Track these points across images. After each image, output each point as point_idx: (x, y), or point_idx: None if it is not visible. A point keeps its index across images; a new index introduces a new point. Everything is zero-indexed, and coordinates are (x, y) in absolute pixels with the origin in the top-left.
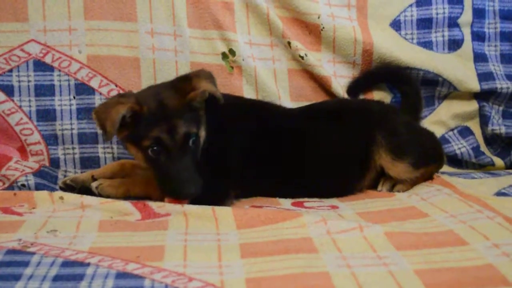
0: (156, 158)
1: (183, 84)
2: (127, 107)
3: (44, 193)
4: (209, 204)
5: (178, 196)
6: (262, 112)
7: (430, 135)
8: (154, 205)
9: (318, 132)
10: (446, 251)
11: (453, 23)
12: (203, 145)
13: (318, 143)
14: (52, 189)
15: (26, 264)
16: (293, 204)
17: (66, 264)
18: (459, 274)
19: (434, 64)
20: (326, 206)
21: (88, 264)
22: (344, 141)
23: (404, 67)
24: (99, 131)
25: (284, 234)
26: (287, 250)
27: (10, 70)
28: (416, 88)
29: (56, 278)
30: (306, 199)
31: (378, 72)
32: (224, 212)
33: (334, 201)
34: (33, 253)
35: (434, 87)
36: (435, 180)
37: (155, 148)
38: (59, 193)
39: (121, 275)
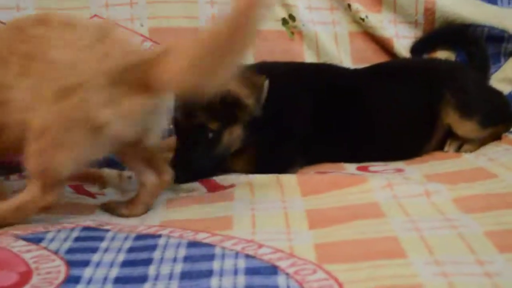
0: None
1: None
2: None
3: (114, 172)
4: (274, 172)
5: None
6: (325, 75)
7: (499, 94)
8: (217, 178)
9: (384, 92)
10: None
11: None
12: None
13: (383, 104)
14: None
15: (101, 239)
16: (358, 168)
17: (139, 237)
18: None
19: (499, 20)
20: (391, 170)
21: (160, 236)
22: (411, 100)
23: (468, 25)
24: None
25: (350, 200)
26: (354, 215)
27: None
28: (482, 49)
29: (131, 250)
30: (371, 163)
31: (442, 33)
32: (288, 179)
33: (399, 164)
34: (107, 230)
35: (500, 44)
36: (503, 140)
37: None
38: (127, 172)
39: (192, 244)
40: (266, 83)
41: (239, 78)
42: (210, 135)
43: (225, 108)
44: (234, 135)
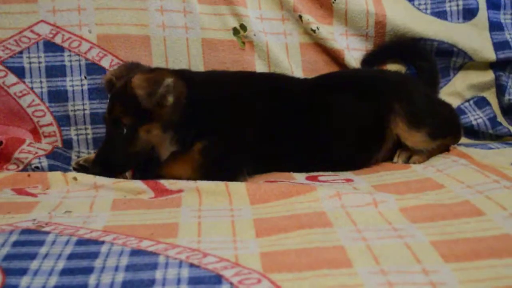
0: None
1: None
2: (107, 76)
3: (58, 174)
4: (222, 180)
5: None
6: (274, 84)
7: (448, 107)
8: (165, 182)
9: (333, 102)
10: (462, 222)
11: None
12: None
13: (332, 114)
14: (65, 170)
15: (41, 243)
16: (308, 178)
17: (81, 242)
18: (476, 244)
19: (449, 34)
20: (340, 180)
21: (103, 242)
22: (361, 111)
23: (419, 39)
24: None
25: (298, 209)
26: (301, 224)
27: (21, 52)
28: (432, 63)
29: (71, 257)
30: (320, 173)
31: (393, 46)
32: (237, 187)
33: (349, 174)
34: (47, 233)
35: (449, 58)
36: (451, 152)
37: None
38: (73, 173)
39: (135, 252)
40: (168, 80)
41: (145, 74)
42: (125, 130)
43: (135, 103)
44: (152, 134)
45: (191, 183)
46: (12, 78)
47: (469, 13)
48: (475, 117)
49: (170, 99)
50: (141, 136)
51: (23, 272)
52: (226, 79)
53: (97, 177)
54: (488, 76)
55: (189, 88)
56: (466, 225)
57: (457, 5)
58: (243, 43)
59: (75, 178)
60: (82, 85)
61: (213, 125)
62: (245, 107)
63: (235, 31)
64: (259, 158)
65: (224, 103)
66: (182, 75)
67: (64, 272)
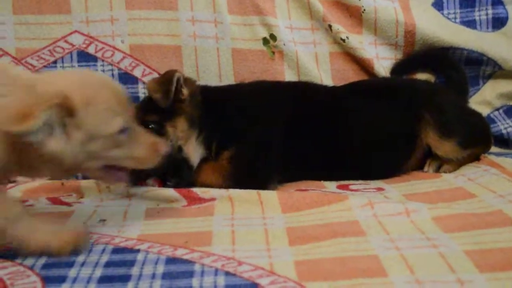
0: None
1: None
2: None
3: (91, 183)
4: (252, 188)
5: None
6: (302, 92)
7: (479, 116)
8: (198, 190)
9: (362, 111)
10: (496, 232)
11: (497, 0)
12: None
13: (362, 123)
14: None
15: (77, 251)
16: (339, 187)
17: (117, 251)
18: (510, 254)
19: (478, 43)
20: (372, 188)
21: (138, 251)
22: (391, 119)
23: (448, 48)
24: None
25: (330, 218)
26: (335, 233)
27: (55, 62)
28: (461, 72)
29: (108, 264)
30: (351, 181)
31: (422, 56)
32: (269, 196)
33: (380, 183)
34: None
35: (479, 67)
36: (482, 161)
37: None
38: None
39: (171, 261)
40: (177, 75)
41: (156, 78)
42: (152, 126)
43: (156, 104)
44: (179, 129)
45: (223, 192)
46: None
47: (498, 22)
48: (505, 126)
49: (185, 91)
50: (169, 132)
51: (62, 279)
52: (254, 88)
53: (130, 186)
54: None
55: (209, 95)
56: (499, 235)
57: (487, 14)
58: (273, 52)
59: (108, 187)
60: None
61: (240, 133)
62: (273, 115)
63: (265, 41)
64: (289, 167)
65: (250, 112)
66: (204, 86)
67: (102, 279)
